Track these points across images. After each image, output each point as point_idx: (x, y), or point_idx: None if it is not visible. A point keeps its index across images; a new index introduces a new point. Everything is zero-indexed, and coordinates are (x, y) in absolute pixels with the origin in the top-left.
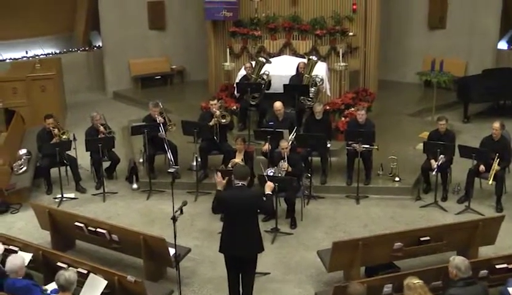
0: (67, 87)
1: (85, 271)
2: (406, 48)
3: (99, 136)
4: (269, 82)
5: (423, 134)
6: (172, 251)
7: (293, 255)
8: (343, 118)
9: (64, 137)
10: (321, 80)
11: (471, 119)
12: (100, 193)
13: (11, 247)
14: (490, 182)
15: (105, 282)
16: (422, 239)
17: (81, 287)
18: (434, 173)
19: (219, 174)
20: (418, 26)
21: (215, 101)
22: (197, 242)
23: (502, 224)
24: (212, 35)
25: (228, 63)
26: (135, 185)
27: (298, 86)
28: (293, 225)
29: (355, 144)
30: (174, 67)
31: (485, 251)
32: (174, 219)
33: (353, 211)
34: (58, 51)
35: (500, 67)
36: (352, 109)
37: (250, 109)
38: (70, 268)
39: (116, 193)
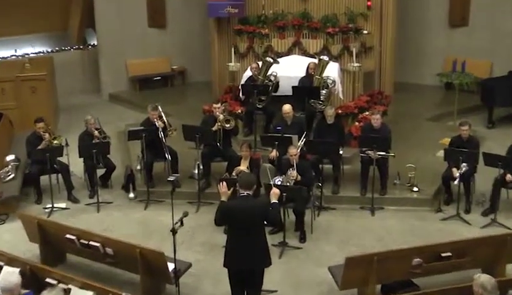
0: (60, 88)
1: (77, 288)
2: (424, 47)
3: (94, 141)
4: (277, 83)
5: (444, 141)
6: (171, 266)
7: (302, 271)
8: (357, 123)
9: (55, 142)
10: (333, 81)
11: (496, 124)
12: (94, 203)
13: None
14: None
15: None
16: (443, 255)
17: None
18: (456, 182)
19: (223, 183)
20: (438, 23)
21: (219, 104)
22: (199, 256)
23: None
24: (215, 33)
25: (232, 63)
26: (132, 195)
27: (308, 88)
28: (303, 238)
29: (369, 151)
30: (174, 67)
31: None
32: (174, 231)
33: (367, 223)
34: (49, 50)
35: None
36: (367, 113)
37: (257, 113)
38: (60, 284)
39: (111, 203)
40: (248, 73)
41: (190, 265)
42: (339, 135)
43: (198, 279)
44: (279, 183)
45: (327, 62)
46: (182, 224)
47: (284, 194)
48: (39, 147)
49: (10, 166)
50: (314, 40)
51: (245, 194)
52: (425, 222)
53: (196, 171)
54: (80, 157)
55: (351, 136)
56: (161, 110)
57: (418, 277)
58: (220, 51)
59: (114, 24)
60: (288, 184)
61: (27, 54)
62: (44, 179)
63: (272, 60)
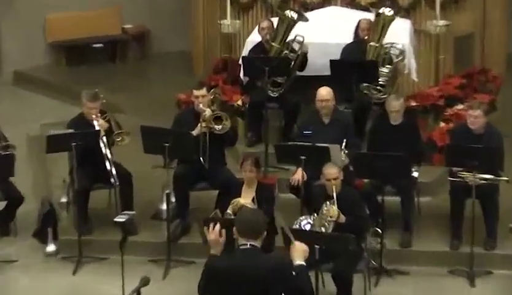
0: None
1: None
2: None
3: None
4: (304, 55)
5: None
6: None
7: None
8: (443, 124)
9: None
10: (402, 52)
11: None
12: None
13: None
14: None
15: None
16: None
17: None
18: None
19: (211, 226)
20: None
21: (203, 91)
22: None
23: None
24: None
25: (227, 21)
26: (51, 247)
27: (359, 63)
28: None
29: (465, 173)
30: (127, 27)
31: None
32: None
33: None
34: None
35: None
36: (460, 106)
37: (269, 106)
38: None
39: (15, 261)
40: (255, 38)
41: None
42: (412, 145)
43: None
44: (308, 228)
45: (391, 19)
46: None
47: (317, 247)
48: None
49: None
50: None
51: (248, 246)
52: None
53: (165, 207)
54: None
55: (433, 146)
56: (104, 100)
57: None
58: (207, 1)
59: None
60: (323, 229)
61: None
62: None
63: (296, 16)
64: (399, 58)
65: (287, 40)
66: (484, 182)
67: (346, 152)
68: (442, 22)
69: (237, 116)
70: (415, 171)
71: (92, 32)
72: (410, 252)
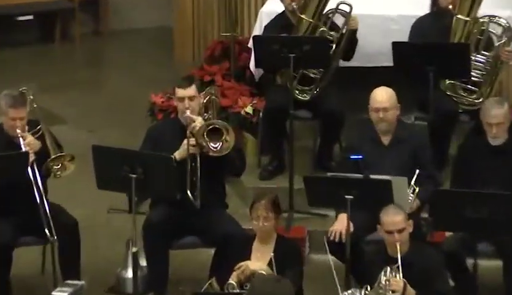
0: None
1: None
2: None
3: None
4: (353, 35)
5: None
6: None
7: None
8: None
9: None
10: (507, 30)
11: None
12: None
13: None
14: None
15: None
16: None
17: None
18: None
19: None
20: None
21: (192, 90)
22: None
23: None
24: None
25: None
26: None
27: (438, 47)
28: None
29: None
30: None
31: None
32: None
33: None
34: None
35: None
36: None
37: (295, 116)
38: None
39: None
40: (273, 7)
41: None
42: None
43: None
44: None
45: None
46: None
47: None
48: None
49: None
50: None
51: None
52: None
53: (130, 274)
54: None
55: None
56: (35, 105)
57: None
58: None
59: None
60: None
61: None
62: None
63: None
64: (503, 40)
65: (325, 10)
66: None
67: (418, 188)
68: None
69: (245, 130)
70: None
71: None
72: None
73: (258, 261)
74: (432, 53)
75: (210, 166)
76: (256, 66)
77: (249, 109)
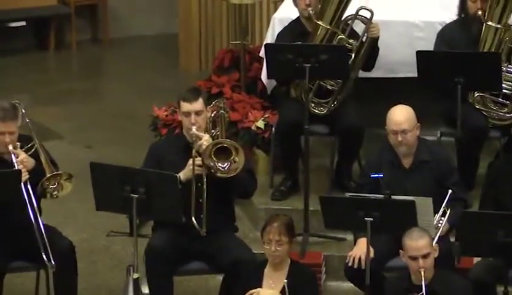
0: None
1: None
2: None
3: None
4: (373, 42)
5: None
6: None
7: None
8: None
9: None
10: None
11: None
12: None
13: None
14: None
15: None
16: None
17: None
18: None
19: None
20: None
21: (198, 104)
22: None
23: None
24: None
25: None
26: None
27: (466, 57)
28: None
29: None
30: None
31: None
32: None
33: None
34: None
35: None
36: None
37: (311, 131)
38: None
39: None
40: (287, 13)
41: None
42: None
43: None
44: None
45: None
46: None
47: None
48: None
49: None
50: None
51: None
52: None
53: None
54: None
55: None
56: (27, 120)
57: None
58: None
59: None
60: None
61: None
62: None
63: None
64: None
65: (344, 16)
66: None
67: (449, 210)
68: None
69: (256, 147)
70: None
71: (10, 4)
72: None
73: (270, 289)
74: (460, 63)
75: (218, 187)
76: (269, 77)
77: (261, 124)
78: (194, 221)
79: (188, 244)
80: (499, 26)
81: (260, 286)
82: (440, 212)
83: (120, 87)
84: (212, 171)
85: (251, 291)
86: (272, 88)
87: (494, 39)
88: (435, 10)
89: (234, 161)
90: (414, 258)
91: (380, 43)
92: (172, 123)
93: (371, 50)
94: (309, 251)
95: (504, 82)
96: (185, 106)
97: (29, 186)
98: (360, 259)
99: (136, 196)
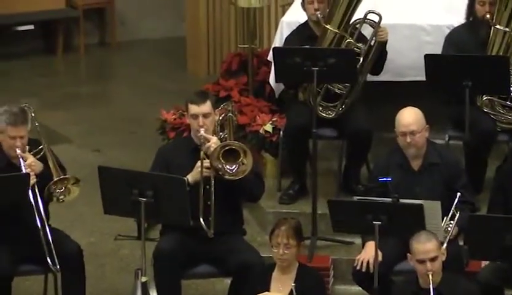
0: None
1: None
2: None
3: None
4: (382, 45)
5: None
6: None
7: None
8: None
9: None
10: None
11: None
12: None
13: None
14: None
15: None
16: None
17: None
18: None
19: None
20: None
21: (206, 107)
22: None
23: None
24: None
25: None
26: None
27: (475, 61)
28: None
29: None
30: None
31: None
32: None
33: None
34: None
35: None
36: None
37: (319, 134)
38: None
39: None
40: (295, 16)
41: None
42: None
43: None
44: None
45: None
46: None
47: None
48: None
49: None
50: None
51: None
52: None
53: None
54: None
55: None
56: (37, 123)
57: None
58: None
59: None
60: None
61: None
62: None
63: None
64: None
65: (352, 20)
66: None
67: (458, 213)
68: None
69: (264, 150)
70: None
71: (17, 8)
72: None
73: (279, 292)
74: (468, 67)
75: (226, 189)
76: (277, 80)
77: (269, 127)
78: (202, 222)
79: (196, 248)
80: (507, 29)
81: (268, 290)
82: (449, 216)
83: (128, 91)
84: (220, 173)
85: None
86: (280, 91)
87: (502, 42)
88: (443, 14)
89: (243, 164)
90: (422, 261)
91: (388, 47)
92: (180, 127)
93: (379, 53)
94: (317, 254)
95: None
96: (193, 109)
97: (36, 190)
98: (368, 262)
99: (144, 199)
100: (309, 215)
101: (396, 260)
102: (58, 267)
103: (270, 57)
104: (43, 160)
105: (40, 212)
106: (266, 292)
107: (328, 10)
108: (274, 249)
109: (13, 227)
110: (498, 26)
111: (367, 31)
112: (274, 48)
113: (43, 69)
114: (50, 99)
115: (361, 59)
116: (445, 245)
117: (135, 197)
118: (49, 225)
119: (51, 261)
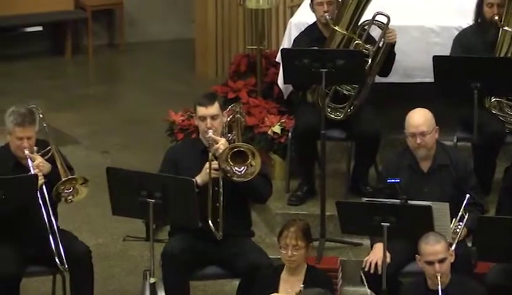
0: None
1: None
2: None
3: None
4: (390, 47)
5: None
6: None
7: None
8: None
9: None
10: None
11: None
12: None
13: None
14: None
15: None
16: None
17: None
18: None
19: None
20: None
21: (214, 108)
22: None
23: None
24: None
25: None
26: None
27: (483, 62)
28: None
29: None
30: None
31: None
32: None
33: None
34: None
35: None
36: None
37: (327, 135)
38: None
39: None
40: (304, 18)
41: None
42: None
43: None
44: None
45: None
46: None
47: None
48: None
49: None
50: None
51: None
52: None
53: None
54: None
55: None
56: (45, 124)
57: None
58: None
59: None
60: None
61: None
62: None
63: None
64: None
65: (360, 21)
66: None
67: (467, 215)
68: None
69: (272, 151)
70: None
71: (26, 9)
72: None
73: (287, 294)
74: (476, 69)
75: (234, 191)
76: (285, 82)
77: (277, 129)
78: (211, 224)
79: (204, 249)
80: None
81: (277, 291)
82: (458, 217)
83: (136, 92)
84: (229, 175)
85: None
86: (288, 93)
87: (510, 44)
88: (451, 15)
89: (251, 165)
90: (430, 263)
91: (396, 48)
92: (188, 128)
93: (387, 55)
94: (326, 256)
95: None
96: (201, 110)
97: (44, 190)
98: (376, 264)
99: (153, 201)
100: (317, 216)
101: (405, 262)
102: (67, 267)
103: (278, 58)
104: (51, 160)
105: (49, 213)
106: (275, 294)
107: (336, 12)
108: (283, 250)
109: (22, 228)
110: (506, 28)
111: (375, 32)
112: (283, 50)
113: (51, 71)
114: (59, 101)
115: (370, 60)
116: (453, 247)
117: (144, 198)
118: (57, 226)
119: (59, 261)
